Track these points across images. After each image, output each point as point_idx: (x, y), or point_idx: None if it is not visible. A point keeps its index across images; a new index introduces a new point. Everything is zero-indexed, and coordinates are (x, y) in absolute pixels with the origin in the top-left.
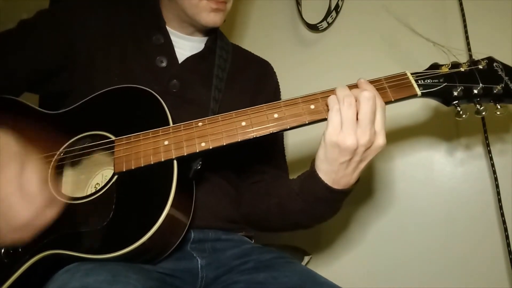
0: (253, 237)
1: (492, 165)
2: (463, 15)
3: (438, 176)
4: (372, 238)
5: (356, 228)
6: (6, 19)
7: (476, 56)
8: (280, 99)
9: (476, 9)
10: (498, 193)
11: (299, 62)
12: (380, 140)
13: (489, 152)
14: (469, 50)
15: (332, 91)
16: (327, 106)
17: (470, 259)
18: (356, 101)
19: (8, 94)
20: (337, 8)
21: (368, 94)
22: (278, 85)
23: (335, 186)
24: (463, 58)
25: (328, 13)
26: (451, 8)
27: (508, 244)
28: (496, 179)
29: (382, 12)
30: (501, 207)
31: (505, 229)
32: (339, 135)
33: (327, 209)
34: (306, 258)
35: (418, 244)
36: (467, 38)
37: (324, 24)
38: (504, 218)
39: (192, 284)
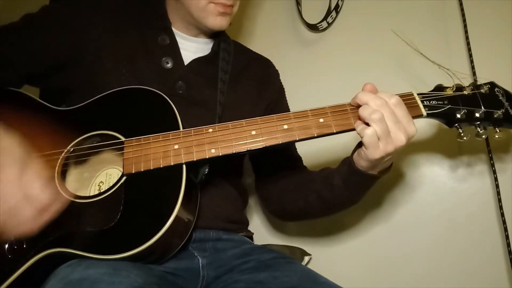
0: (253, 237)
1: (492, 165)
2: (465, 30)
3: (437, 176)
4: (372, 238)
5: (356, 228)
6: (6, 19)
7: (479, 77)
8: (285, 97)
9: (478, 20)
10: (498, 193)
11: (299, 62)
12: (413, 128)
13: (489, 152)
14: (473, 67)
15: (341, 106)
16: (342, 128)
17: (470, 259)
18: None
19: (8, 86)
20: (337, 8)
21: (395, 100)
22: (282, 85)
23: (378, 173)
24: (462, 80)
25: (328, 13)
26: (452, 13)
27: (508, 244)
28: (496, 179)
29: (382, 12)
30: (501, 207)
31: (505, 229)
32: (379, 150)
33: (367, 191)
34: (306, 258)
35: (418, 244)
36: (470, 56)
37: (324, 24)
38: (504, 218)
39: (193, 283)
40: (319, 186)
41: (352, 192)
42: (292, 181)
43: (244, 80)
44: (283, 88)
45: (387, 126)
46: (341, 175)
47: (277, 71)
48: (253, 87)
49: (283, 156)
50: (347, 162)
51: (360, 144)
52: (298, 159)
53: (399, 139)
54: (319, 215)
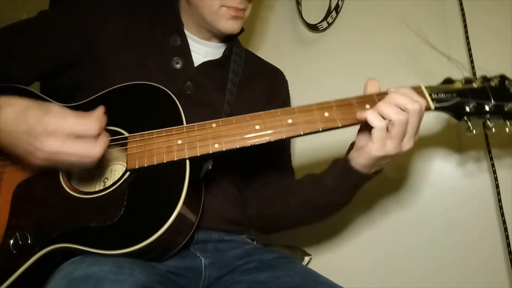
0: (255, 239)
1: (493, 165)
2: (465, 30)
3: (437, 175)
4: (372, 238)
5: (356, 228)
6: (6, 19)
7: (479, 69)
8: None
9: (477, 14)
10: (498, 193)
11: (299, 62)
12: (412, 142)
13: (489, 152)
14: (473, 67)
15: (346, 100)
16: (358, 119)
17: (470, 259)
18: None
19: (20, 83)
20: (337, 8)
21: (418, 108)
22: (289, 95)
23: (372, 174)
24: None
25: (328, 13)
26: (452, 13)
27: (508, 244)
28: (496, 178)
29: (382, 12)
30: (501, 207)
31: (505, 229)
32: (386, 148)
33: (355, 194)
34: (306, 259)
35: (418, 244)
36: (470, 56)
37: (324, 24)
38: (504, 218)
39: (195, 283)
40: (307, 188)
41: (342, 192)
42: (274, 188)
43: (252, 87)
44: (289, 98)
45: (405, 130)
46: (332, 175)
47: (286, 81)
48: (260, 95)
49: (275, 164)
50: (341, 162)
51: (352, 145)
52: (290, 170)
53: (407, 146)
54: (293, 222)
